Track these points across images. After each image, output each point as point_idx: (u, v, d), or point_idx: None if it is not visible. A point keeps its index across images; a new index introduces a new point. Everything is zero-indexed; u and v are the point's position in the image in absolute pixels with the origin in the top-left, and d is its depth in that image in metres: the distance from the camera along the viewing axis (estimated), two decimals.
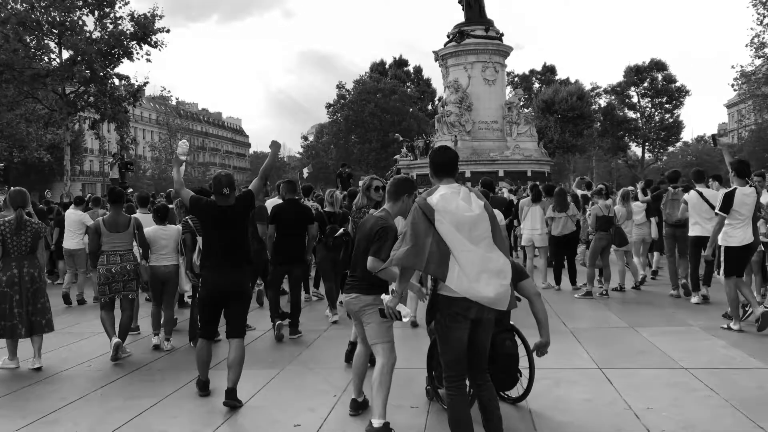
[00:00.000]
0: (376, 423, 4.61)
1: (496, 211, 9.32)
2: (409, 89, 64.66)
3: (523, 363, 5.26)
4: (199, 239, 6.98)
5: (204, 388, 5.82)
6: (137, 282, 7.41)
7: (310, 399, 5.58)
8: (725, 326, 7.81)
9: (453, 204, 3.88)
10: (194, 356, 6.09)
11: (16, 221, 6.69)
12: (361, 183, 7.70)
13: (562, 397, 5.47)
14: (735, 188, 7.73)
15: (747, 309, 7.95)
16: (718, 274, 8.12)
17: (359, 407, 5.20)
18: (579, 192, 13.48)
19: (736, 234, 7.67)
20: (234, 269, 5.56)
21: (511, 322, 5.30)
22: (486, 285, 3.85)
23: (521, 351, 5.27)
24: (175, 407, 5.52)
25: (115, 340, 7.07)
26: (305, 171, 19.25)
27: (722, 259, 7.77)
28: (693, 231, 9.25)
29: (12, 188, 7.22)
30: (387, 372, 4.74)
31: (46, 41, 29.40)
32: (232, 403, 5.43)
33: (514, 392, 5.32)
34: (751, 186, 7.88)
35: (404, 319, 4.46)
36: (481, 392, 4.20)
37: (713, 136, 9.31)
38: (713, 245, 7.94)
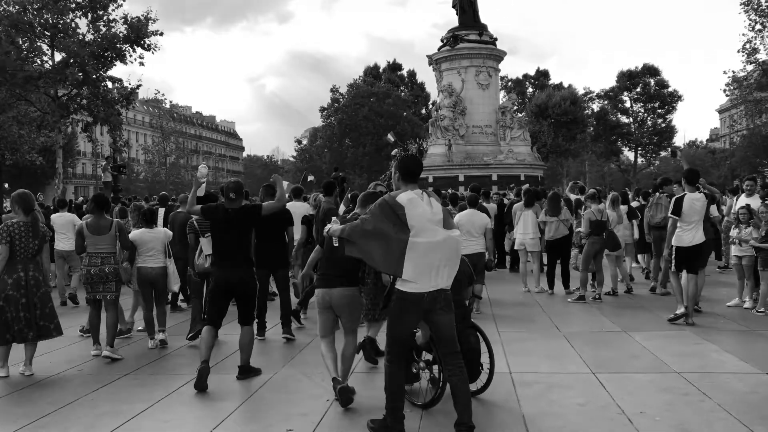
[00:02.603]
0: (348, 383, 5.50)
1: (482, 215, 9.67)
2: (402, 93, 64.69)
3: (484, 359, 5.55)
4: (202, 240, 7.52)
5: (202, 371, 5.93)
6: (117, 284, 7.50)
7: (302, 403, 5.56)
8: (672, 316, 8.61)
9: (420, 207, 4.46)
10: (186, 361, 6.36)
11: (32, 223, 6.62)
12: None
13: (556, 402, 5.47)
14: (684, 194, 8.59)
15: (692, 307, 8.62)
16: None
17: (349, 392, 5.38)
18: (572, 196, 13.53)
19: (685, 236, 8.51)
20: (236, 266, 6.18)
21: (473, 321, 5.61)
22: (445, 271, 4.48)
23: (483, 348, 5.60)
24: (166, 412, 5.48)
25: (94, 351, 7.38)
26: (310, 177, 19.18)
27: (673, 256, 8.64)
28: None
29: (18, 190, 7.03)
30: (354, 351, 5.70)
31: (38, 43, 29.22)
32: (245, 376, 6.22)
33: (473, 386, 5.49)
34: (700, 192, 8.72)
35: None
36: (453, 376, 4.61)
37: (673, 149, 10.05)
38: (669, 246, 8.75)
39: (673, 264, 8.67)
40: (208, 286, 7.84)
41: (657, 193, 11.30)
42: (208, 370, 5.97)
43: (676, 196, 8.73)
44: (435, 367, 5.32)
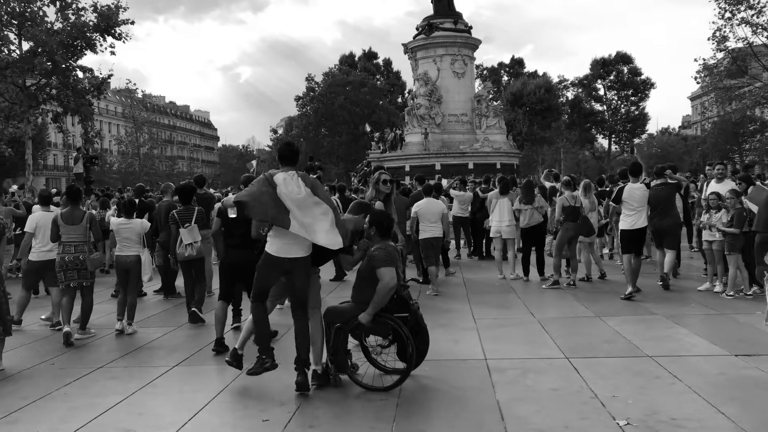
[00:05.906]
0: (240, 349, 5.92)
1: (438, 202, 10.71)
2: (378, 82, 64.47)
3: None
4: (181, 230, 8.25)
5: (220, 344, 6.86)
6: (90, 272, 7.75)
7: (279, 393, 5.53)
8: (623, 296, 9.25)
9: (290, 186, 5.38)
10: (160, 353, 6.52)
11: None
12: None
13: (530, 387, 5.53)
14: (626, 184, 9.71)
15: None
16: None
17: (320, 378, 5.59)
18: (547, 184, 13.64)
19: (627, 220, 9.57)
20: (240, 248, 6.86)
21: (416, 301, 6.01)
22: (318, 235, 5.33)
23: None
24: (140, 404, 5.43)
25: (66, 329, 7.47)
26: (253, 164, 19.16)
27: (619, 239, 9.77)
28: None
29: None
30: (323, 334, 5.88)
31: (5, 32, 28.50)
32: (220, 349, 6.78)
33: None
34: (641, 183, 9.76)
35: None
36: (298, 321, 5.58)
37: (631, 147, 11.69)
38: (610, 227, 10.24)
39: (620, 246, 9.65)
40: (188, 272, 8.65)
41: (621, 182, 11.68)
42: (223, 344, 6.78)
43: (619, 186, 9.73)
44: (389, 349, 5.64)
